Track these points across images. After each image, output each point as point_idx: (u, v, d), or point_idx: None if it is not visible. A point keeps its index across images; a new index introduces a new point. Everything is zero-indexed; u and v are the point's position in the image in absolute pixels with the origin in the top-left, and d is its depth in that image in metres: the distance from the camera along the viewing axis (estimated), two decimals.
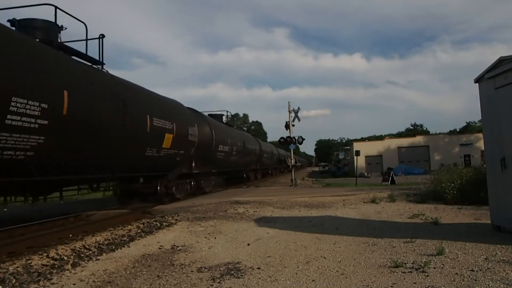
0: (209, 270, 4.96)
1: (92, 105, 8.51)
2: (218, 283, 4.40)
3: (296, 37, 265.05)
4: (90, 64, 9.60)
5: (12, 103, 6.33)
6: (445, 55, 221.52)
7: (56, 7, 8.74)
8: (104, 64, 9.93)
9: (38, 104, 6.82)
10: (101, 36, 9.88)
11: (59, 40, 8.88)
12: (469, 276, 4.23)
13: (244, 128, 77.84)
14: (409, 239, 6.16)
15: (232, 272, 4.82)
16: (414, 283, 4.10)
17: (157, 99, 12.54)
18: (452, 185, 11.04)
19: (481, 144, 35.43)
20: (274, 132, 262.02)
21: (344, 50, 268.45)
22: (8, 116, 6.31)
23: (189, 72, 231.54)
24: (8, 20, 8.30)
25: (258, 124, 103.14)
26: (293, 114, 22.81)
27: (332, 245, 6.15)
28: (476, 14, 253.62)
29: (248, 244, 6.44)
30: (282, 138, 22.99)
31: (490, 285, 3.91)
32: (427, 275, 4.33)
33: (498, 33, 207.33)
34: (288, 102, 23.03)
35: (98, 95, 8.82)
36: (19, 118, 6.49)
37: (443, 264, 4.73)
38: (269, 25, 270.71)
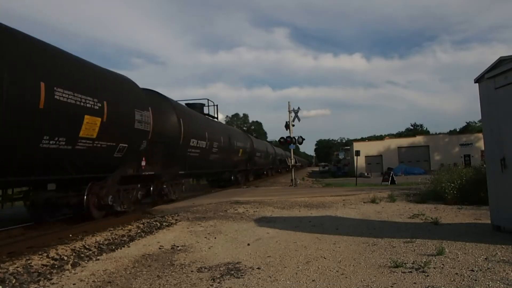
0: (209, 270, 4.96)
1: None
2: (218, 283, 4.40)
3: (296, 37, 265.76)
4: None
5: None
6: (445, 55, 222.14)
7: None
8: None
9: None
10: None
11: None
12: (469, 276, 4.22)
13: (244, 128, 77.84)
14: (409, 239, 6.16)
15: (232, 272, 4.82)
16: (414, 283, 4.10)
17: (67, 60, 8.29)
18: (452, 185, 11.04)
19: (481, 144, 35.44)
20: (274, 132, 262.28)
21: (344, 50, 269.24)
22: None
23: (189, 72, 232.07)
24: None
25: (258, 124, 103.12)
26: (293, 114, 22.82)
27: (332, 245, 6.15)
28: (476, 14, 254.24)
29: (248, 244, 6.44)
30: (282, 138, 22.98)
31: (490, 285, 3.91)
32: (427, 275, 4.33)
33: (498, 33, 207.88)
34: (288, 102, 23.06)
35: None
36: None
37: (443, 264, 4.73)
38: (269, 25, 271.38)
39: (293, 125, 22.82)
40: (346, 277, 4.43)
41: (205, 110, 19.39)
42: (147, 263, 5.47)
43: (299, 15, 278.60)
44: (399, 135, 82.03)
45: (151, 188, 12.03)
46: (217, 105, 20.92)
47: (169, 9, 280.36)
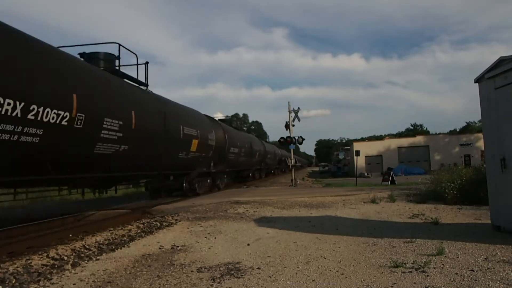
0: (209, 270, 4.96)
1: (147, 120, 11.26)
2: (218, 283, 4.39)
3: (294, 37, 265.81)
4: (137, 85, 11.96)
5: (104, 122, 8.94)
6: (444, 55, 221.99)
7: (120, 45, 11.11)
8: (148, 85, 12.52)
9: (117, 121, 9.47)
10: (147, 62, 12.59)
11: (116, 67, 11.02)
12: (469, 276, 4.23)
13: (244, 128, 77.90)
14: (409, 239, 6.16)
15: (232, 272, 4.82)
16: (414, 283, 4.10)
17: (185, 110, 15.52)
18: (452, 185, 11.03)
19: (481, 144, 35.44)
20: (274, 132, 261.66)
21: (343, 50, 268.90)
22: (102, 131, 8.94)
23: (188, 72, 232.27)
24: (79, 53, 10.38)
25: (258, 124, 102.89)
26: (293, 114, 22.79)
27: (332, 245, 6.15)
28: (475, 14, 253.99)
29: (248, 244, 6.44)
30: (282, 138, 22.96)
31: (490, 285, 3.91)
32: (427, 275, 4.33)
33: (497, 33, 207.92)
34: (288, 102, 22.99)
35: (150, 112, 11.62)
36: (107, 132, 9.13)
37: (443, 264, 4.73)
38: (268, 25, 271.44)
39: (293, 125, 22.79)
40: (346, 277, 4.43)
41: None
42: (147, 263, 5.47)
43: (298, 15, 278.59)
44: (399, 135, 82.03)
45: (208, 180, 17.77)
46: (232, 115, 28.56)
47: (168, 9, 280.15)
